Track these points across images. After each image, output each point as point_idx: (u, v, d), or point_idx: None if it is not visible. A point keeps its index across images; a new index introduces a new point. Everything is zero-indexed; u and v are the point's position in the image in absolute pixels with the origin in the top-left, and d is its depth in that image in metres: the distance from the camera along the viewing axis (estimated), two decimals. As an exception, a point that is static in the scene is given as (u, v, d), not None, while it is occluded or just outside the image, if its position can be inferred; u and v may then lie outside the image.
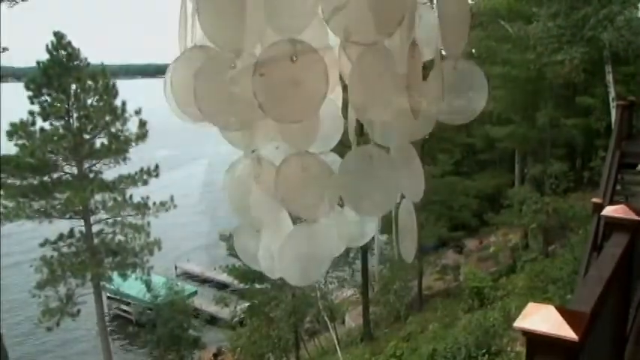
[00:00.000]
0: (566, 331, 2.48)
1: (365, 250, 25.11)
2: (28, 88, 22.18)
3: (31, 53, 23.96)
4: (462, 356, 13.64)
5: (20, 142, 22.02)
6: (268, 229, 1.52)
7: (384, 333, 26.65)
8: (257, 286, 26.10)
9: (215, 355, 32.69)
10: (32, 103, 22.22)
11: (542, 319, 2.58)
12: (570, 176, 27.13)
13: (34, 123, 22.17)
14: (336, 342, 25.42)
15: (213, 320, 36.24)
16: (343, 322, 31.84)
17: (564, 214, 24.17)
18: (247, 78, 1.19)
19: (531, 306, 2.75)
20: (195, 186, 60.42)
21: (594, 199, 8.72)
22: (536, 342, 2.60)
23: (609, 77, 21.86)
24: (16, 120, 21.91)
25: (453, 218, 32.59)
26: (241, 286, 28.35)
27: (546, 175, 27.12)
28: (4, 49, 23.04)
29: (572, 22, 20.41)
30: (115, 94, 23.31)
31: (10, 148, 22.21)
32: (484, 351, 13.46)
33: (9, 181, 22.78)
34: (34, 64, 22.68)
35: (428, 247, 31.60)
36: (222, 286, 40.17)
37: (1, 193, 22.54)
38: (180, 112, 1.42)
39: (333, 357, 24.98)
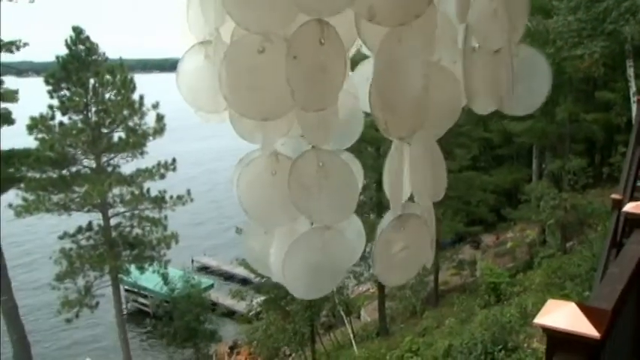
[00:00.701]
0: (588, 329, 2.45)
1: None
2: (47, 82, 22.39)
3: (51, 48, 24.16)
4: (478, 352, 13.54)
5: (40, 135, 22.26)
6: (282, 232, 1.40)
7: (399, 328, 26.64)
8: (273, 279, 26.16)
9: (231, 348, 32.87)
10: (52, 97, 22.43)
11: (563, 316, 2.55)
12: (589, 172, 26.88)
13: (53, 117, 22.38)
14: (351, 336, 25.45)
15: (229, 313, 36.47)
16: (359, 317, 31.86)
17: (583, 210, 23.95)
18: (275, 63, 1.13)
19: (551, 302, 2.71)
20: (216, 181, 60.63)
21: (614, 196, 8.57)
22: (557, 339, 2.57)
23: (630, 71, 21.60)
24: (36, 114, 22.13)
25: (470, 213, 32.42)
26: (258, 279, 28.42)
27: (565, 171, 26.89)
28: (25, 44, 23.32)
29: (593, 15, 20.16)
30: (133, 89, 23.44)
31: (30, 142, 22.46)
32: (500, 347, 13.36)
33: (29, 174, 23.07)
34: (53, 59, 22.89)
35: (445, 242, 31.50)
36: (238, 279, 40.40)
37: (21, 186, 22.85)
38: (196, 103, 1.36)
39: (348, 351, 25.01)
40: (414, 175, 1.33)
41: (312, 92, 1.16)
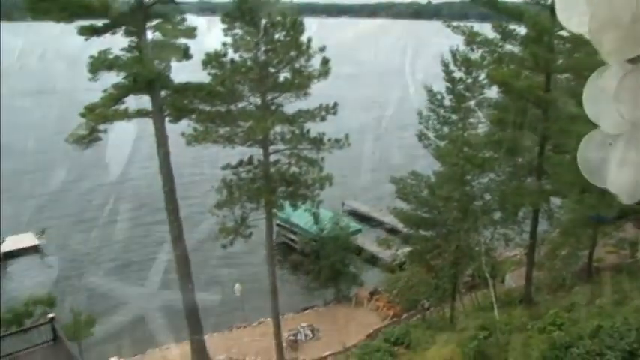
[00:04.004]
0: None
1: (537, 210, 23.96)
2: (223, 21, 23.40)
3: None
4: (631, 339, 12.60)
5: (213, 71, 23.44)
6: (621, 142, 1.53)
7: (544, 299, 25.64)
8: (421, 232, 26.04)
9: (371, 294, 33.59)
10: (226, 35, 23.40)
11: None
12: None
13: (225, 54, 23.38)
14: (493, 299, 24.89)
15: (373, 260, 37.09)
16: (503, 281, 31.09)
17: None
18: None
19: None
20: (375, 129, 60.75)
21: None
22: None
23: None
24: (211, 51, 23.32)
25: (639, 188, 29.86)
26: (406, 230, 28.48)
27: None
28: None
29: None
30: (301, 31, 23.77)
31: (204, 76, 23.82)
32: (657, 339, 12.36)
33: (200, 106, 24.60)
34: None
35: (606, 217, 29.44)
36: (386, 228, 40.82)
37: (193, 117, 24.44)
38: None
39: (488, 314, 24.51)
40: None
41: None
